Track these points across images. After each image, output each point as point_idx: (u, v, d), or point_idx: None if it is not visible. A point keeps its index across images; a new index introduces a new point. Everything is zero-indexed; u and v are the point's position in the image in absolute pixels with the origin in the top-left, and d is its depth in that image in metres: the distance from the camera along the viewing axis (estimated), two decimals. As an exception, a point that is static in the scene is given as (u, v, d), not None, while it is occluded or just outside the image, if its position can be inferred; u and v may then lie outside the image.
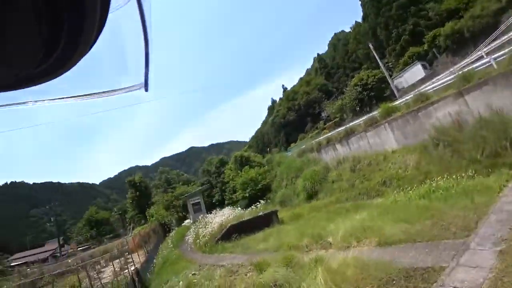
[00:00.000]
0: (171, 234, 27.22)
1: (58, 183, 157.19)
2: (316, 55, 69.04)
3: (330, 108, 39.47)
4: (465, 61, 18.28)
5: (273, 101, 75.49)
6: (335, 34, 70.84)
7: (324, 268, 6.45)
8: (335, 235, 8.64)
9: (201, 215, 23.60)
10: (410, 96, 17.89)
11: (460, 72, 14.49)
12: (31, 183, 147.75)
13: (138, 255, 17.81)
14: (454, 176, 10.17)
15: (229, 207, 23.02)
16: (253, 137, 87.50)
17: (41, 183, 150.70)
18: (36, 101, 0.75)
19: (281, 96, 70.16)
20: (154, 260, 18.14)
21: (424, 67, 36.52)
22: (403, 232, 6.95)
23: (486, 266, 4.35)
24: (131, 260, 16.19)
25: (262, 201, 30.80)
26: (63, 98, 0.78)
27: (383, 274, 5.29)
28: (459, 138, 12.28)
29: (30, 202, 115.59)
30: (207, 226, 15.86)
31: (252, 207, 16.51)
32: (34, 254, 42.67)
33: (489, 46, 20.82)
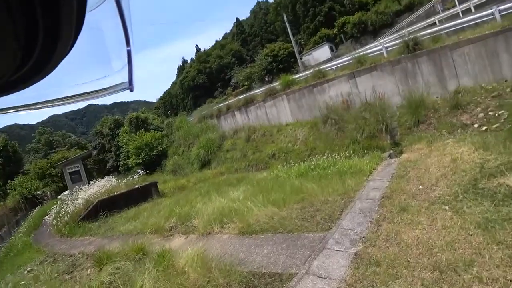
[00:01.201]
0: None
1: None
2: (235, 20, 65.48)
3: (238, 75, 37.91)
4: (364, 48, 18.79)
5: (184, 61, 69.81)
6: (258, 2, 68.23)
7: (165, 265, 4.93)
8: (201, 217, 7.22)
9: (81, 186, 19.56)
10: (310, 72, 17.50)
11: (356, 56, 14.45)
12: None
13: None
14: (334, 154, 9.84)
15: (112, 176, 19.73)
16: (161, 98, 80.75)
17: None
18: (17, 108, 0.70)
19: (193, 57, 65.13)
20: None
21: (331, 48, 37.96)
22: (269, 218, 5.88)
23: (337, 276, 3.36)
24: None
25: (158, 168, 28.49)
26: (44, 102, 0.73)
27: (225, 280, 3.99)
28: (345, 118, 12.20)
29: None
30: (74, 201, 12.70)
31: (129, 178, 13.92)
32: None
33: (386, 39, 22.04)
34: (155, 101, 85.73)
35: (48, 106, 0.75)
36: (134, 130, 30.62)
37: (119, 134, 34.09)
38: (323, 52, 36.08)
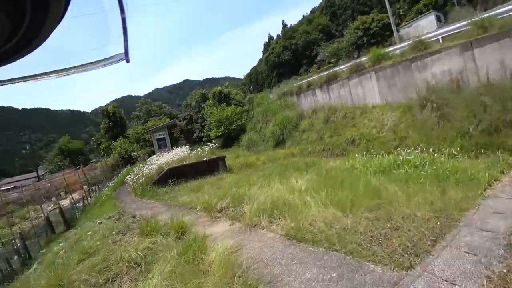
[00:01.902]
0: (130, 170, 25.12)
1: (48, 109, 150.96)
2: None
3: (324, 51, 34.76)
4: (489, 11, 14.20)
5: (270, 37, 68.39)
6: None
7: (190, 257, 4.28)
8: (253, 204, 6.32)
9: (165, 151, 21.24)
10: (407, 44, 14.26)
11: (476, 19, 10.90)
12: (20, 108, 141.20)
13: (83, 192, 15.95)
14: (432, 150, 7.49)
15: (188, 146, 20.62)
16: (248, 75, 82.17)
17: (31, 108, 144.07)
18: (10, 81, 0.69)
19: (279, 33, 63.24)
20: (89, 199, 16.29)
21: (438, 18, 31.07)
22: (328, 224, 4.53)
23: None
24: (66, 197, 14.32)
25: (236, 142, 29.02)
26: (39, 75, 0.72)
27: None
28: (453, 102, 9.37)
29: (21, 128, 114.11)
30: (150, 166, 13.59)
31: (198, 150, 14.05)
32: (22, 180, 41.41)
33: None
34: (242, 77, 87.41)
35: (44, 78, 0.74)
36: (217, 104, 31.59)
37: (205, 107, 35.92)
38: (427, 23, 29.58)
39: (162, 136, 27.31)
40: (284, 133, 17.93)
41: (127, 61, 0.77)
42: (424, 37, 13.53)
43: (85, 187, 19.33)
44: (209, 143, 14.36)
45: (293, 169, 10.29)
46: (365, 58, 16.49)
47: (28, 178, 38.85)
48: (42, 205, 15.62)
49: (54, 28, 0.58)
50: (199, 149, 13.92)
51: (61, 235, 10.47)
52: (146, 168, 13.51)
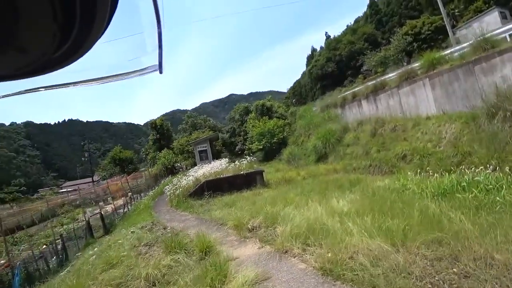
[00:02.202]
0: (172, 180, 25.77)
1: (107, 122, 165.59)
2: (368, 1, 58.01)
3: (370, 60, 32.85)
4: None
5: (313, 50, 67.42)
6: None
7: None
8: (286, 225, 5.65)
9: (207, 163, 21.48)
10: (468, 44, 12.54)
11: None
12: (85, 121, 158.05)
13: (125, 199, 16.66)
14: (509, 168, 6.07)
15: (227, 158, 20.55)
16: (291, 88, 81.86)
17: (93, 121, 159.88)
18: (52, 86, 0.75)
19: (323, 45, 62.09)
20: (130, 207, 16.86)
21: (503, 15, 27.62)
22: (372, 260, 3.68)
23: None
24: (111, 203, 14.99)
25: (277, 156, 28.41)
26: (78, 82, 0.77)
27: None
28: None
29: (84, 138, 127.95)
30: (187, 178, 13.65)
31: (236, 163, 13.73)
32: (80, 184, 45.88)
33: None
34: (286, 91, 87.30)
35: (83, 85, 0.78)
36: (260, 117, 31.53)
37: (247, 120, 36.15)
38: (490, 20, 26.15)
39: (204, 148, 27.88)
40: (327, 147, 16.89)
41: (160, 72, 0.81)
42: (489, 34, 11.74)
43: (129, 194, 20.23)
44: (247, 157, 14.00)
45: (334, 187, 9.36)
46: (417, 64, 14.98)
47: (85, 183, 42.54)
48: (87, 209, 16.71)
49: (98, 39, 0.62)
50: (236, 162, 13.62)
51: (98, 240, 10.81)
52: (184, 179, 13.57)
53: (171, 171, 27.13)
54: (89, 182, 41.22)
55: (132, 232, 8.64)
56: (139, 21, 0.71)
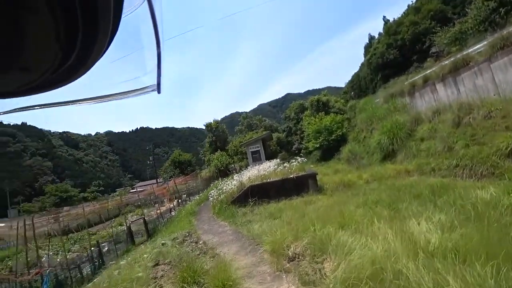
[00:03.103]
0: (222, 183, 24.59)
1: (173, 127, 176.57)
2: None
3: (441, 38, 27.38)
4: None
5: (371, 38, 60.87)
6: None
7: None
8: (342, 260, 3.77)
9: (260, 164, 19.96)
10: None
11: None
12: (154, 127, 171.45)
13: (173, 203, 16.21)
14: None
15: (283, 159, 18.75)
16: (349, 82, 76.31)
17: (161, 127, 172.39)
18: (52, 104, 0.75)
19: (381, 31, 55.71)
20: (173, 213, 16.20)
21: None
22: None
23: None
24: (164, 205, 14.62)
25: (335, 154, 25.56)
26: (77, 101, 0.77)
27: None
28: None
29: (154, 143, 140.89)
30: (232, 182, 12.34)
31: (285, 164, 11.82)
32: (148, 184, 49.36)
33: None
34: (343, 86, 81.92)
35: (84, 104, 0.78)
36: (315, 113, 29.06)
37: (303, 117, 33.74)
38: None
39: (256, 149, 26.46)
40: (395, 143, 13.94)
41: (159, 92, 0.81)
42: None
43: (177, 196, 19.91)
44: (297, 157, 12.07)
45: (410, 197, 6.94)
46: (516, 28, 11.22)
47: (153, 183, 45.24)
48: (145, 209, 16.70)
49: (99, 59, 0.62)
50: (285, 164, 11.78)
51: (138, 247, 10.21)
52: (228, 184, 12.31)
53: (225, 173, 26.45)
54: (153, 184, 43.90)
55: (163, 244, 7.64)
56: (139, 42, 0.71)
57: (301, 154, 32.24)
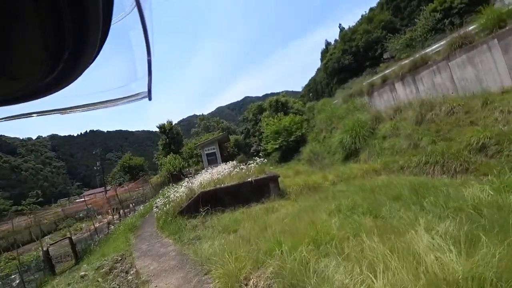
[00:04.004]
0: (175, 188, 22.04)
1: (127, 131, 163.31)
2: (385, -13, 52.90)
3: (394, 44, 28.54)
4: None
5: (327, 44, 62.79)
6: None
7: None
8: None
9: (215, 167, 18.06)
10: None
11: None
12: (105, 131, 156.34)
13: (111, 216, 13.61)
14: None
15: (235, 161, 17.28)
16: (306, 86, 77.82)
17: (113, 131, 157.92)
18: (41, 113, 0.73)
19: (337, 37, 57.68)
20: (112, 227, 13.66)
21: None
22: None
23: None
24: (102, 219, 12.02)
25: (295, 155, 24.80)
26: (67, 109, 0.74)
27: None
28: None
29: (105, 147, 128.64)
30: (179, 189, 10.40)
31: (242, 166, 10.23)
32: (97, 192, 44.17)
33: None
34: (300, 90, 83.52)
35: (73, 112, 0.74)
36: (274, 114, 28.08)
37: (261, 118, 32.62)
38: None
39: (212, 151, 24.30)
40: (357, 142, 13.24)
41: (149, 99, 0.78)
42: None
43: (122, 205, 17.21)
44: (257, 158, 10.45)
45: (388, 199, 5.85)
46: (472, 27, 11.12)
47: (98, 192, 40.52)
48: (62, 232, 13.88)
49: (88, 66, 0.60)
50: (242, 166, 10.17)
51: (59, 276, 7.88)
52: (176, 190, 10.37)
53: (178, 177, 23.89)
54: (102, 192, 39.35)
55: (82, 276, 5.60)
56: (129, 49, 0.69)
57: (259, 155, 31.06)
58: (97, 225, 14.22)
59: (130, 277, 5.04)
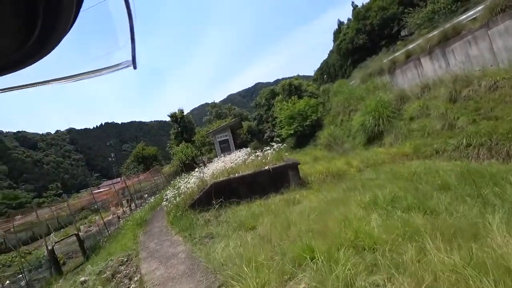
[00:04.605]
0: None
1: (141, 122, 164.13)
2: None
3: (414, 19, 26.36)
4: None
5: (340, 23, 59.79)
6: None
7: None
8: None
9: (228, 154, 17.18)
10: None
11: None
12: (120, 122, 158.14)
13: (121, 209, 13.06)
14: None
15: (255, 147, 16.46)
16: (318, 69, 75.28)
17: (127, 122, 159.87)
18: (20, 87, 0.70)
19: (350, 17, 54.72)
20: (121, 222, 13.04)
21: None
22: None
23: None
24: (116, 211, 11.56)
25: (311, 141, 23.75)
26: (49, 81, 0.71)
27: None
28: None
29: (120, 139, 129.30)
30: (190, 180, 9.65)
31: (257, 153, 9.24)
32: (114, 183, 44.51)
33: None
34: (312, 74, 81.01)
35: (52, 84, 0.72)
36: (288, 98, 26.85)
37: (274, 103, 31.41)
38: None
39: (225, 138, 23.28)
40: (381, 124, 12.10)
41: (134, 67, 0.75)
42: None
43: (133, 197, 16.71)
44: (273, 144, 9.38)
45: (434, 189, 4.89)
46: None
47: (115, 182, 40.84)
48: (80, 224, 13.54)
49: (64, 36, 0.57)
50: (257, 153, 9.32)
51: (68, 274, 7.42)
52: (187, 181, 9.61)
53: (191, 166, 23.18)
54: (118, 182, 39.52)
55: (82, 283, 5.01)
56: (109, 15, 0.64)
57: (273, 142, 30.04)
58: (110, 217, 13.90)
59: (133, 285, 4.39)
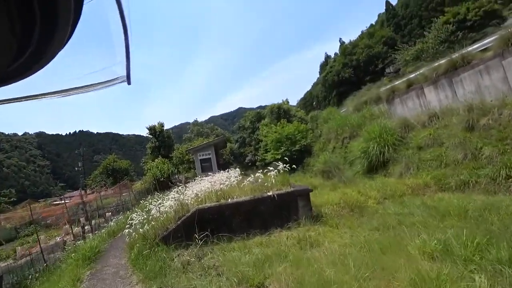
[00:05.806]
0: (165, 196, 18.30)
1: (117, 134, 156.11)
2: (384, 3, 52.51)
3: (403, 56, 27.06)
4: None
5: (327, 57, 61.74)
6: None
7: None
8: None
9: (211, 175, 15.14)
10: None
11: None
12: (95, 132, 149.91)
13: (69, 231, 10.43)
14: None
15: (237, 168, 14.76)
16: (302, 99, 76.59)
17: (103, 133, 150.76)
18: (13, 100, 0.67)
19: (337, 51, 56.80)
20: (68, 247, 10.26)
21: None
22: None
23: None
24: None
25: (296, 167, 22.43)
26: (41, 95, 0.69)
27: None
28: None
29: (93, 149, 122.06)
30: (164, 202, 7.44)
31: (258, 174, 7.32)
32: (77, 195, 40.17)
33: None
34: (295, 104, 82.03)
35: (46, 98, 0.70)
36: (275, 121, 25.76)
37: (260, 126, 30.19)
38: None
39: (207, 157, 21.07)
40: (385, 152, 10.97)
41: (128, 83, 0.74)
42: None
43: (90, 216, 14.07)
44: (278, 163, 7.45)
45: (496, 232, 3.47)
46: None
47: (79, 195, 36.73)
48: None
49: (60, 50, 0.55)
50: (258, 173, 7.45)
51: None
52: (160, 204, 7.42)
53: (166, 185, 20.52)
54: (79, 194, 35.42)
55: None
56: (107, 31, 0.62)
57: (255, 166, 28.34)
58: (59, 238, 11.25)
59: None
